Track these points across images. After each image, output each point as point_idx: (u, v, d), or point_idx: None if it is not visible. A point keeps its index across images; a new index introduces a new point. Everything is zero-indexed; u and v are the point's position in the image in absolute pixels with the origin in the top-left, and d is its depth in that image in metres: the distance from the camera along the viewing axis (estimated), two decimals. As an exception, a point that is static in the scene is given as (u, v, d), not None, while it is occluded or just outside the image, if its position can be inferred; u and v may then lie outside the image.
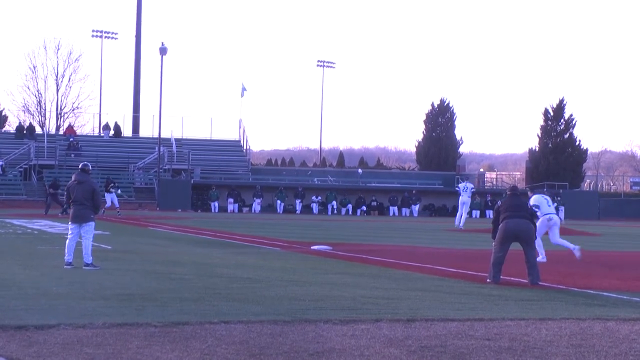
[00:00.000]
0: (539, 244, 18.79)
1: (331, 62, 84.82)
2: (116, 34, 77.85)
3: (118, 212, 42.64)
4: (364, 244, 24.08)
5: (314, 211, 57.43)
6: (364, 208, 58.19)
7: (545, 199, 19.62)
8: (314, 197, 58.07)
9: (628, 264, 19.14)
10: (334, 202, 57.81)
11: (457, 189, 37.22)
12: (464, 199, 36.15)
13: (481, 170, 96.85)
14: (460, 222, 35.91)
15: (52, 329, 8.61)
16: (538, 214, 18.30)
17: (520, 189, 15.02)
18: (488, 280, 14.35)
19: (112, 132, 66.55)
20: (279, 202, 56.94)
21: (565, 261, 19.32)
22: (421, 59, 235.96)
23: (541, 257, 18.68)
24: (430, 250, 22.18)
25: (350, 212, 57.66)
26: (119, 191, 47.12)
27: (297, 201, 57.59)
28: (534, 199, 19.17)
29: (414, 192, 59.12)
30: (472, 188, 37.54)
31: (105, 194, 42.68)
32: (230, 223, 37.44)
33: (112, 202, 43.55)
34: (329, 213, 56.66)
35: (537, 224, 18.37)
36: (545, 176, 67.79)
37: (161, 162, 59.72)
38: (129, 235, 26.70)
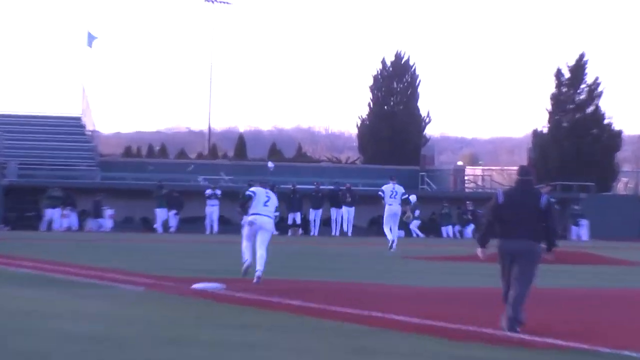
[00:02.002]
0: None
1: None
2: None
3: None
4: (275, 279, 24.09)
5: (210, 218, 57.31)
6: (298, 219, 58.47)
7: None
8: (209, 191, 56.95)
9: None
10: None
11: (379, 194, 37.41)
12: (394, 208, 37.54)
13: (459, 163, 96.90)
14: (392, 244, 36.89)
15: None
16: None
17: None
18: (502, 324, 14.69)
19: None
20: (169, 211, 56.75)
21: (584, 297, 19.50)
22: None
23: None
24: (370, 288, 22.29)
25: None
26: None
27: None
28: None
29: (347, 186, 59.15)
30: (403, 193, 38.21)
31: None
32: (65, 247, 37.08)
33: None
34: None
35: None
36: (559, 171, 67.28)
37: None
38: None
